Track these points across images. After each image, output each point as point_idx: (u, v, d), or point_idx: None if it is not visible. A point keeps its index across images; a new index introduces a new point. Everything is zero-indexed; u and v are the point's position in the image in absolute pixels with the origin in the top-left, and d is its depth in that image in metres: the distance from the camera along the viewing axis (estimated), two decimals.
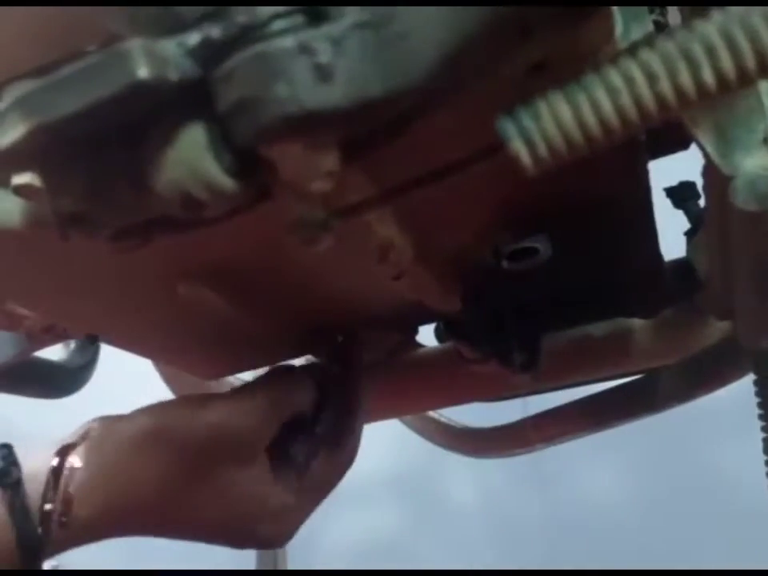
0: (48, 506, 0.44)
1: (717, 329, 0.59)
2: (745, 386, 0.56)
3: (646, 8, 0.32)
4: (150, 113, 0.20)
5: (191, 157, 0.21)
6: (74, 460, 0.45)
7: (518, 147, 0.21)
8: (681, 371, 0.62)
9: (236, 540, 0.49)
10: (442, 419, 0.83)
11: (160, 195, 0.22)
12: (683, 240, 0.57)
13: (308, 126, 0.19)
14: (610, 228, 0.44)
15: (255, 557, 1.25)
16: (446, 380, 0.69)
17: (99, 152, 0.22)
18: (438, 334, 0.69)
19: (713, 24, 0.19)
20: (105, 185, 0.23)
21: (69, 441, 0.47)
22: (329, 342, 0.55)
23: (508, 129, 0.21)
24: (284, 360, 0.61)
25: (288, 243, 0.36)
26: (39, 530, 0.44)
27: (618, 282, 0.52)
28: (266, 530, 0.48)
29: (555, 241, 0.43)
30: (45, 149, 0.22)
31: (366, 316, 0.51)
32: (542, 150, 0.21)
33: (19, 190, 0.32)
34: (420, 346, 0.70)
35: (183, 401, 0.51)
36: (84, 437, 0.47)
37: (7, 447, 0.46)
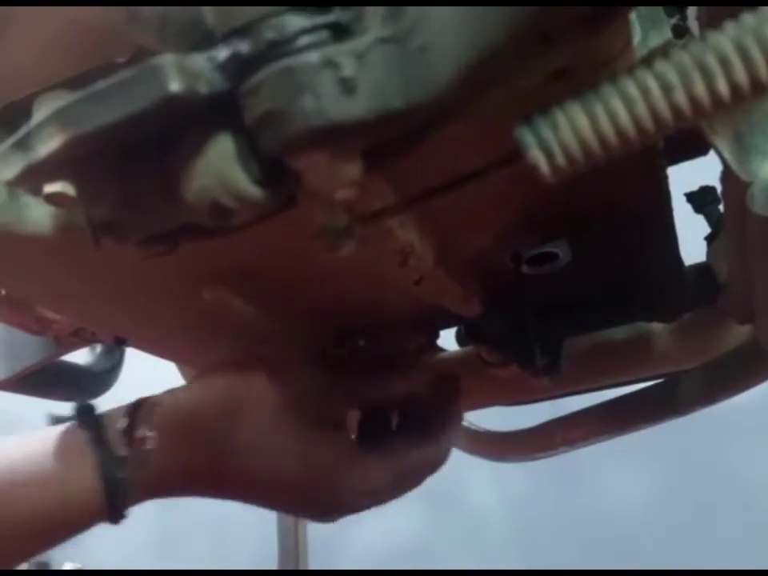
0: (138, 433, 0.45)
1: (738, 332, 0.59)
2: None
3: (664, 16, 0.33)
4: (181, 124, 0.21)
5: (220, 166, 0.22)
6: (148, 404, 0.47)
7: (537, 156, 0.21)
8: (703, 375, 0.62)
9: (315, 510, 0.50)
10: (465, 423, 0.83)
11: (189, 203, 0.22)
12: (704, 245, 0.57)
13: (333, 136, 0.19)
14: (629, 232, 0.44)
15: (277, 557, 1.26)
16: (467, 384, 0.70)
17: (131, 162, 0.23)
18: (459, 338, 0.70)
19: (726, 36, 0.19)
20: (136, 193, 0.24)
21: (139, 398, 0.48)
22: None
23: (527, 138, 0.21)
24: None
25: (311, 248, 0.37)
26: (120, 463, 0.44)
27: (638, 287, 0.52)
28: (334, 501, 0.49)
29: (575, 245, 0.43)
30: (80, 159, 0.23)
31: (387, 320, 0.52)
32: (560, 158, 0.21)
33: (51, 199, 0.33)
34: (441, 350, 0.70)
35: (256, 364, 0.51)
36: (154, 400, 0.48)
37: (89, 404, 0.48)
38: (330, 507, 0.50)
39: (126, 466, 0.45)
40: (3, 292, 0.50)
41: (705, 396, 0.64)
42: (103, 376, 0.84)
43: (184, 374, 0.82)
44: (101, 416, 0.47)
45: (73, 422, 0.47)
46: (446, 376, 0.55)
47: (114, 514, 0.45)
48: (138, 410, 0.46)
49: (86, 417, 0.47)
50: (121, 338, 0.52)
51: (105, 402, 0.81)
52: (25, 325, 0.57)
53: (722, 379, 0.61)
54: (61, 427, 0.48)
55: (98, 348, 0.86)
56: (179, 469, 0.46)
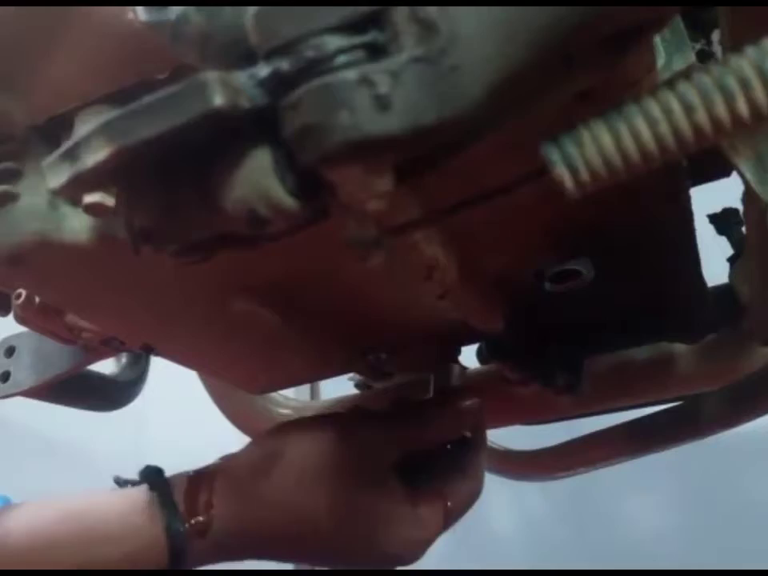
0: (201, 498, 0.47)
1: (761, 354, 0.59)
2: None
3: (688, 40, 0.34)
4: (222, 137, 0.22)
5: (257, 178, 0.23)
6: (210, 482, 0.48)
7: (562, 172, 0.22)
8: (725, 397, 0.62)
9: (368, 562, 0.50)
10: None
11: (227, 213, 0.23)
12: (727, 266, 0.57)
13: (367, 150, 0.20)
14: (652, 252, 0.45)
15: None
16: (488, 402, 0.70)
17: (172, 172, 0.24)
18: (480, 356, 0.70)
19: (747, 59, 0.20)
20: (176, 202, 0.25)
21: (202, 468, 0.50)
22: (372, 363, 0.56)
23: (552, 154, 0.22)
24: (329, 376, 0.63)
25: (338, 261, 0.38)
26: (185, 526, 0.46)
27: (660, 307, 0.52)
28: (396, 552, 0.49)
29: (598, 264, 0.44)
30: (123, 169, 0.24)
31: (410, 334, 0.52)
32: (584, 175, 0.22)
33: (90, 208, 0.34)
34: (463, 367, 0.71)
35: (310, 423, 0.53)
36: (215, 467, 0.50)
37: (156, 467, 0.50)
38: (388, 560, 0.50)
39: (187, 537, 0.46)
40: (37, 300, 0.52)
41: (727, 418, 0.63)
42: (128, 386, 0.85)
43: (207, 386, 0.83)
44: (168, 480, 0.49)
45: (142, 484, 0.49)
46: (469, 409, 0.55)
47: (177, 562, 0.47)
48: (199, 482, 0.48)
49: (157, 480, 0.49)
50: (149, 347, 0.53)
51: (128, 412, 0.83)
52: (56, 333, 0.58)
53: (744, 401, 0.61)
54: (128, 489, 0.50)
55: (123, 359, 0.87)
56: (236, 533, 0.48)
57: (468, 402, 0.54)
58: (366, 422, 0.51)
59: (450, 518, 0.51)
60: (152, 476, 0.50)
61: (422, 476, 0.51)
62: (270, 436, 0.52)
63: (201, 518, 0.47)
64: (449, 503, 0.50)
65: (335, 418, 0.51)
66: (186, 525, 0.47)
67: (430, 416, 0.53)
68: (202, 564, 0.48)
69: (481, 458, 0.54)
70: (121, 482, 0.53)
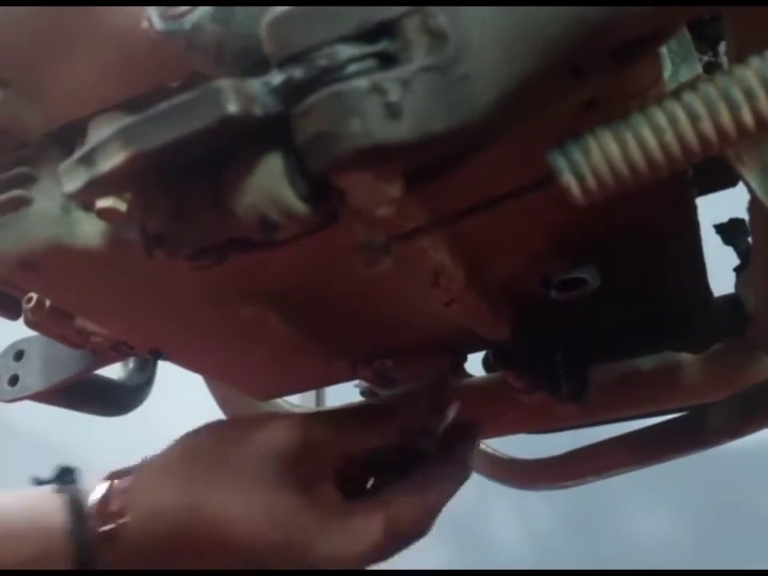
0: (113, 504, 0.46)
1: (767, 364, 0.59)
2: None
3: (694, 51, 0.34)
4: (235, 143, 0.23)
5: (269, 183, 0.23)
6: (124, 486, 0.47)
7: (569, 179, 0.22)
8: (730, 407, 0.62)
9: (291, 565, 0.46)
10: (489, 450, 0.83)
11: (239, 217, 0.24)
12: (733, 276, 0.57)
13: (377, 157, 0.21)
14: (657, 262, 0.45)
15: None
16: (493, 410, 0.70)
17: (186, 177, 0.25)
18: (486, 364, 0.70)
19: (751, 69, 0.20)
20: (189, 207, 0.25)
21: (117, 469, 0.48)
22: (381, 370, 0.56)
23: (559, 162, 0.22)
24: (335, 383, 0.63)
25: (346, 267, 0.39)
26: (92, 532, 0.45)
27: (666, 316, 0.52)
28: (322, 564, 0.45)
29: (603, 272, 0.44)
30: (139, 175, 0.24)
31: (417, 341, 0.53)
32: (591, 182, 0.22)
33: (103, 213, 0.35)
34: (468, 375, 0.71)
35: (236, 422, 0.52)
36: (131, 468, 0.48)
37: (71, 468, 0.49)
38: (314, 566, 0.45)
39: (98, 540, 0.45)
40: (48, 304, 0.52)
41: (733, 428, 0.63)
42: (136, 391, 0.86)
43: (212, 392, 0.84)
44: (79, 485, 0.47)
45: (53, 485, 0.48)
46: (460, 426, 0.52)
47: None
48: (111, 488, 0.47)
49: (67, 483, 0.48)
50: (157, 352, 0.53)
51: (136, 416, 0.83)
52: (65, 337, 0.58)
53: (750, 411, 0.61)
54: (40, 489, 0.48)
55: (131, 364, 0.87)
56: (148, 541, 0.46)
57: (416, 411, 0.50)
58: (310, 424, 0.47)
59: (395, 533, 0.45)
60: (64, 477, 0.48)
61: (366, 487, 0.49)
62: (190, 433, 0.49)
63: (110, 526, 0.45)
64: (390, 515, 0.45)
65: (279, 419, 0.48)
66: (95, 531, 0.45)
67: (373, 421, 0.49)
68: (115, 567, 0.46)
69: (438, 469, 0.48)
70: (37, 482, 0.51)
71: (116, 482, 0.47)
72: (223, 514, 0.45)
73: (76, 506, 0.46)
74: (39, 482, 0.51)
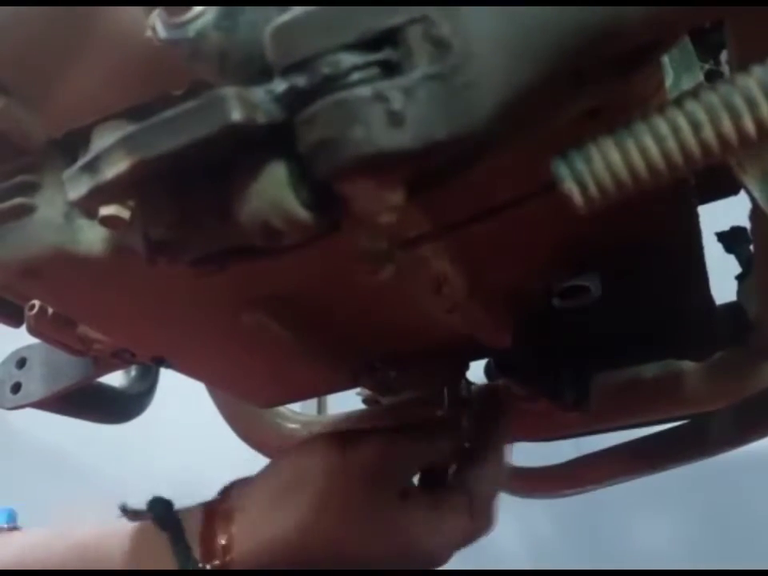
0: (218, 540, 0.46)
1: None
2: None
3: (696, 60, 0.34)
4: (238, 151, 0.23)
5: (272, 190, 0.23)
6: (227, 523, 0.47)
7: (571, 187, 0.23)
8: (733, 415, 0.62)
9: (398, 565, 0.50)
10: None
11: (242, 224, 0.24)
12: (735, 284, 0.57)
13: (380, 164, 0.21)
14: (659, 269, 0.45)
15: None
16: None
17: (189, 185, 0.25)
18: (488, 372, 0.70)
19: (753, 77, 0.20)
20: (192, 214, 0.25)
21: (215, 498, 0.49)
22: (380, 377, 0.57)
23: (561, 170, 0.23)
24: (337, 391, 0.63)
25: (348, 275, 0.39)
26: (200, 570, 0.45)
27: (668, 324, 0.52)
28: (426, 560, 0.49)
29: (606, 280, 0.44)
30: (142, 182, 0.24)
31: (419, 349, 0.53)
32: (593, 190, 0.22)
33: (105, 221, 0.35)
34: (470, 383, 0.71)
35: (329, 439, 0.52)
36: (228, 495, 0.49)
37: (166, 500, 0.48)
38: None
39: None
40: (50, 311, 0.52)
41: (735, 437, 0.63)
42: (137, 399, 0.86)
43: (215, 400, 0.84)
44: (180, 518, 0.47)
45: (150, 519, 0.47)
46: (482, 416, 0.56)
47: None
48: (213, 523, 0.46)
49: (166, 517, 0.47)
50: (159, 359, 0.53)
51: (137, 423, 0.83)
52: (68, 345, 0.58)
53: (753, 420, 0.61)
54: (138, 525, 0.47)
55: (133, 371, 0.87)
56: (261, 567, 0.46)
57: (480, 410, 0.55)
58: (396, 439, 0.51)
59: (478, 511, 0.50)
60: (161, 511, 0.48)
61: (440, 478, 0.52)
62: (285, 460, 0.51)
63: (217, 562, 0.45)
64: (472, 498, 0.50)
65: (349, 437, 0.51)
66: (202, 567, 0.45)
67: (444, 433, 0.54)
68: None
69: (498, 441, 0.54)
70: (127, 511, 0.50)
71: (218, 513, 0.47)
72: (335, 535, 0.47)
73: (181, 544, 0.46)
74: (127, 511, 0.50)
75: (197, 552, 0.46)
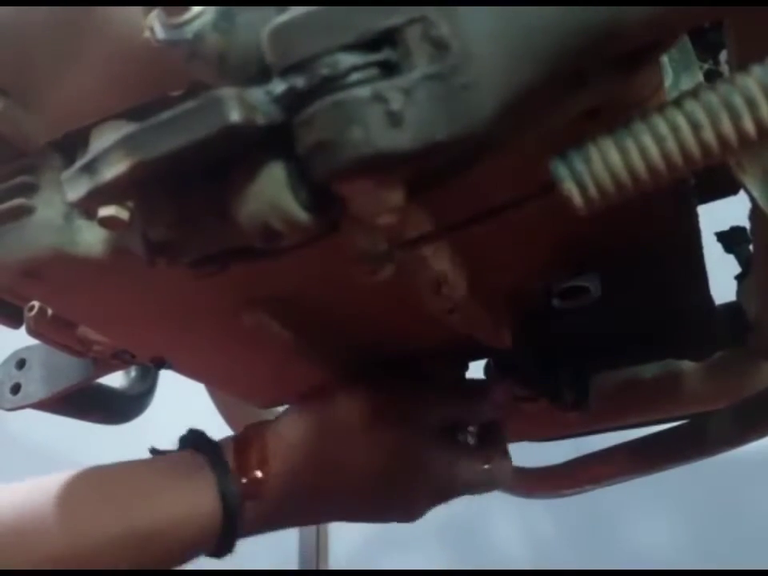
0: (253, 456, 0.47)
1: None
2: None
3: (695, 60, 0.34)
4: (237, 152, 0.23)
5: (271, 192, 0.23)
6: (261, 441, 0.49)
7: (570, 188, 0.22)
8: (732, 415, 0.62)
9: (408, 515, 0.53)
10: None
11: (241, 226, 0.24)
12: (734, 284, 0.57)
13: (379, 165, 0.21)
14: (659, 270, 0.45)
15: (297, 557, 1.26)
16: None
17: (189, 186, 0.25)
18: (488, 372, 0.70)
19: (753, 77, 0.20)
20: (191, 215, 0.25)
21: (244, 431, 0.50)
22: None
23: (561, 171, 0.23)
24: None
25: (348, 275, 0.39)
26: (239, 486, 0.46)
27: (668, 324, 0.52)
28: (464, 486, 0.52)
29: (605, 280, 0.44)
30: (141, 183, 0.24)
31: (419, 349, 0.53)
32: (593, 190, 0.22)
33: (104, 222, 0.35)
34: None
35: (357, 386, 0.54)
36: (260, 429, 0.50)
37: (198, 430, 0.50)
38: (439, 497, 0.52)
39: (241, 497, 0.46)
40: (50, 312, 0.52)
41: (734, 436, 0.63)
42: (137, 400, 0.86)
43: (215, 401, 0.84)
44: (216, 442, 0.49)
45: (186, 448, 0.49)
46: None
47: (225, 542, 0.46)
48: (248, 441, 0.48)
49: (203, 441, 0.49)
50: (159, 361, 0.53)
51: (137, 425, 0.83)
52: (67, 346, 0.58)
53: (752, 419, 0.61)
54: (173, 453, 0.49)
55: (132, 372, 0.87)
56: (291, 493, 0.48)
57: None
58: (444, 398, 0.53)
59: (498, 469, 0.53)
60: (197, 439, 0.49)
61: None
62: (316, 399, 0.52)
63: (257, 474, 0.46)
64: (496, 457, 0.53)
65: (385, 382, 0.52)
66: (241, 482, 0.46)
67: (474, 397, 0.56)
68: (250, 533, 0.47)
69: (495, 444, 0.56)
70: (158, 451, 0.51)
71: (250, 438, 0.49)
72: (363, 469, 0.49)
73: (219, 461, 0.47)
74: (158, 451, 0.51)
75: (233, 468, 0.47)
